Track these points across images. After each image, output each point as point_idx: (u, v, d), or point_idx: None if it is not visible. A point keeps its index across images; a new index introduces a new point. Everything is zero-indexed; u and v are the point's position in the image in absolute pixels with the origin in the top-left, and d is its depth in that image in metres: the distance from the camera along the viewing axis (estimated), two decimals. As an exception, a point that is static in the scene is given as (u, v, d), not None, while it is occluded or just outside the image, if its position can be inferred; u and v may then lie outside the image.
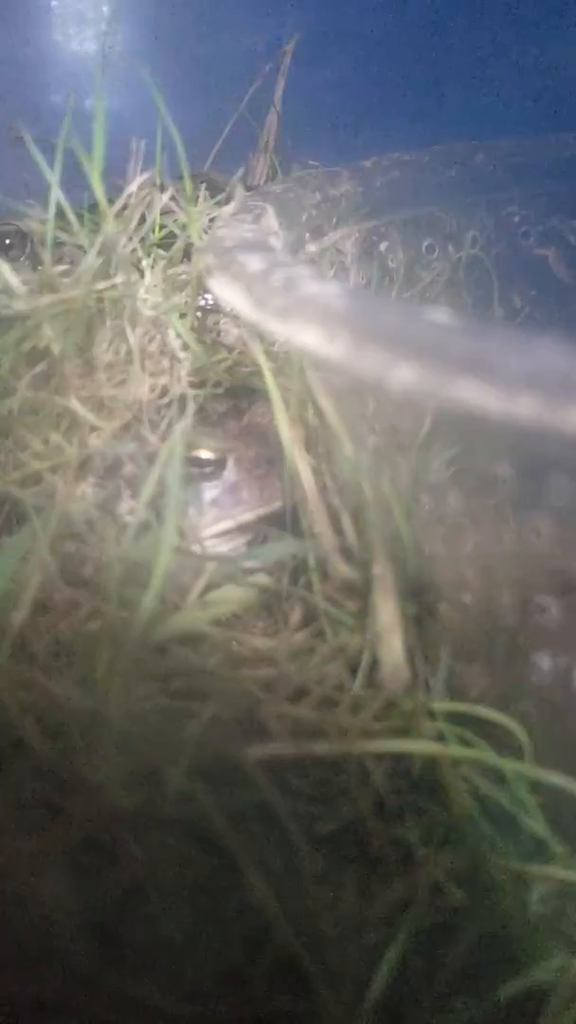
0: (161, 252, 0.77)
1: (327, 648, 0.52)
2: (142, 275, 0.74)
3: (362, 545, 0.51)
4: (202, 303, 0.73)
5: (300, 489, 0.52)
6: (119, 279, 0.67)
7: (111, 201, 0.74)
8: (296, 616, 0.57)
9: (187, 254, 0.76)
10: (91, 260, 0.66)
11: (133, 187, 0.77)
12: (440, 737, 0.46)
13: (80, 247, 0.71)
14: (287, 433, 0.51)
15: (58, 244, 0.72)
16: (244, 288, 0.41)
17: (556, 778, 0.44)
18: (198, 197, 0.82)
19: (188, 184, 0.77)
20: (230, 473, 0.65)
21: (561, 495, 0.41)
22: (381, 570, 0.48)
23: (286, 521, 0.58)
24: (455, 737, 0.46)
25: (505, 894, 0.43)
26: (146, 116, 0.79)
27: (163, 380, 0.68)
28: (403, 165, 0.79)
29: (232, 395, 0.68)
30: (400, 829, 0.45)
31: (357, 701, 0.48)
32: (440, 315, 0.32)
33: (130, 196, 0.77)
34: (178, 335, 0.69)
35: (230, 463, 0.65)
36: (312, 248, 0.65)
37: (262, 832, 0.43)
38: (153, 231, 0.78)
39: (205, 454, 0.64)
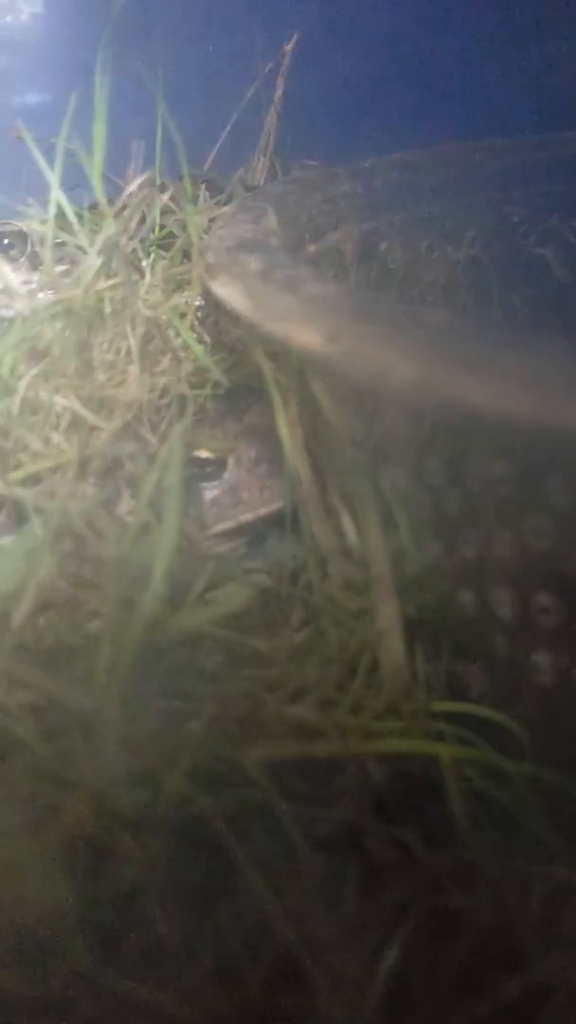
0: (161, 252, 0.77)
1: (327, 648, 0.52)
2: (142, 275, 0.74)
3: (362, 545, 0.51)
4: (202, 303, 0.73)
5: (300, 489, 0.52)
6: (119, 279, 0.67)
7: (111, 201, 0.74)
8: (296, 616, 0.57)
9: (187, 254, 0.76)
10: (91, 260, 0.66)
11: (133, 187, 0.77)
12: (440, 737, 0.46)
13: (80, 247, 0.71)
14: (287, 433, 0.51)
15: (58, 244, 0.72)
16: (244, 288, 0.41)
17: (556, 778, 0.44)
18: (198, 197, 0.82)
19: (188, 184, 0.77)
20: (230, 473, 0.65)
21: (561, 495, 0.41)
22: (381, 570, 0.48)
23: (286, 521, 0.58)
24: (455, 737, 0.46)
25: (505, 894, 0.43)
26: (146, 116, 0.79)
27: (163, 380, 0.68)
28: (403, 165, 0.79)
29: (232, 395, 0.68)
30: (400, 829, 0.45)
31: (357, 701, 0.48)
32: (440, 315, 0.32)
33: (130, 196, 0.77)
34: (178, 335, 0.69)
35: (230, 463, 0.65)
36: (312, 248, 0.65)
37: (262, 833, 0.43)
38: (153, 231, 0.78)
39: (205, 454, 0.64)
